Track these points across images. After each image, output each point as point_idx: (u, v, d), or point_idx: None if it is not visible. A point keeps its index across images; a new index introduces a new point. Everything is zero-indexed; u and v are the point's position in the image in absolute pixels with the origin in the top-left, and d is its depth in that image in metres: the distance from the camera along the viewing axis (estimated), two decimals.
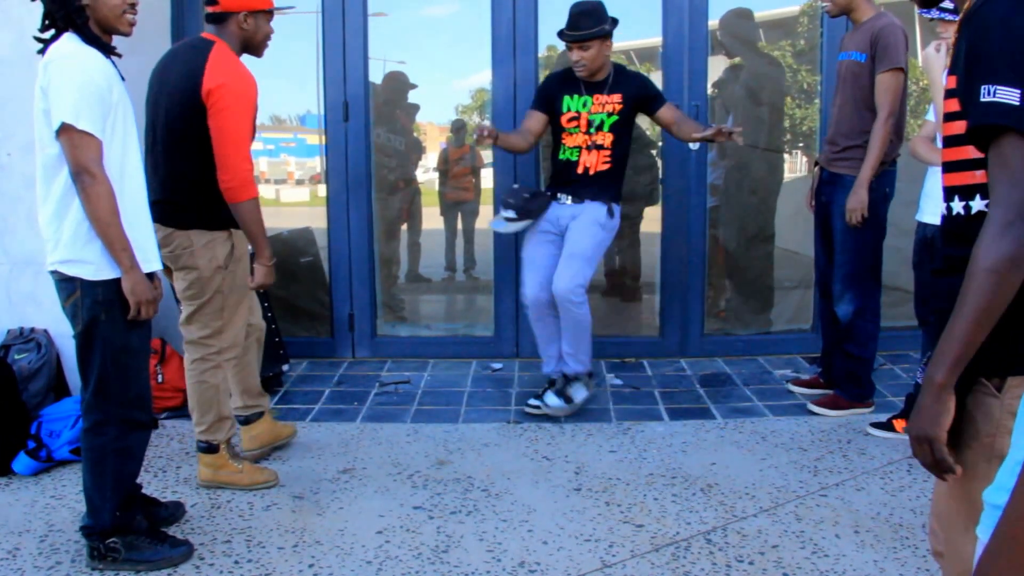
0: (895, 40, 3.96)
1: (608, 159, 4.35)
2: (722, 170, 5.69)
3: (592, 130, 4.34)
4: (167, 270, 3.44)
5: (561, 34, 4.32)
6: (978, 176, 1.64)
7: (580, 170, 4.36)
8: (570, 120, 4.37)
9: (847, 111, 4.16)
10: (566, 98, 4.37)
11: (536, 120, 4.46)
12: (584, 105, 4.34)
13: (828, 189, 4.29)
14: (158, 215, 3.35)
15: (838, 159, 4.20)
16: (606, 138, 4.33)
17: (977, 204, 1.66)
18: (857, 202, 4.04)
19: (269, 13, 3.50)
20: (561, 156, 4.43)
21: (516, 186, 4.53)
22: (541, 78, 5.11)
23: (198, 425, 3.56)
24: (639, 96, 4.36)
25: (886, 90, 4.00)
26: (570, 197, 4.37)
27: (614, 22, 4.28)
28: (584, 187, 4.37)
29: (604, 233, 4.39)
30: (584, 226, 4.33)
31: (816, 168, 4.48)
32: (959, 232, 1.69)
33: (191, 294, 3.46)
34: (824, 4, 4.23)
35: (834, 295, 4.29)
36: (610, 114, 4.32)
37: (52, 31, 2.78)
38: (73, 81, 2.68)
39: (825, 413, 4.33)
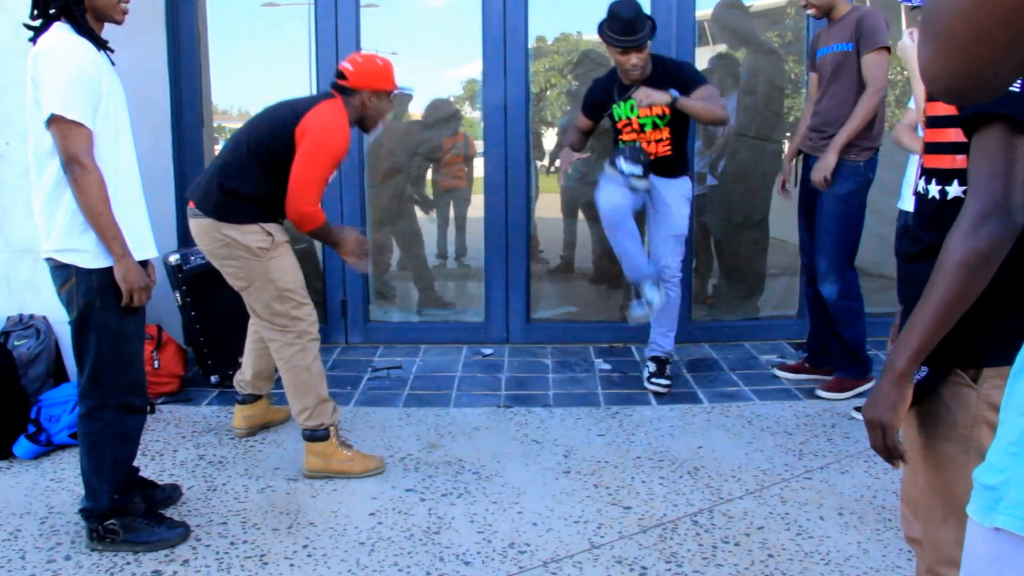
0: (878, 24, 4.02)
1: (668, 147, 4.44)
2: (709, 159, 5.74)
3: (647, 130, 4.41)
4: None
5: (608, 37, 4.28)
6: (958, 161, 1.61)
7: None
8: (624, 125, 4.45)
9: (836, 100, 4.19)
10: (615, 108, 4.44)
11: (586, 123, 4.66)
12: (632, 110, 4.39)
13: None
14: (199, 198, 3.53)
15: (826, 146, 4.23)
16: (662, 133, 4.41)
17: (954, 190, 1.63)
18: (824, 167, 4.13)
19: (391, 93, 3.63)
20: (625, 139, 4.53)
21: (625, 147, 4.40)
22: (532, 68, 5.14)
23: (300, 414, 3.58)
24: (678, 85, 4.35)
25: (875, 66, 4.04)
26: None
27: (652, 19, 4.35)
28: (654, 167, 4.42)
29: (689, 204, 4.57)
30: (679, 204, 4.48)
31: (799, 155, 4.53)
32: (933, 215, 1.66)
33: (242, 286, 3.57)
34: (810, 11, 4.27)
35: (819, 277, 4.34)
36: (661, 116, 4.37)
37: (42, 20, 2.78)
38: (62, 71, 2.69)
39: (835, 397, 4.38)
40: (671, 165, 4.47)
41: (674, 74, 4.37)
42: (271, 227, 3.53)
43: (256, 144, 3.50)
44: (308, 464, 3.60)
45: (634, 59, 4.25)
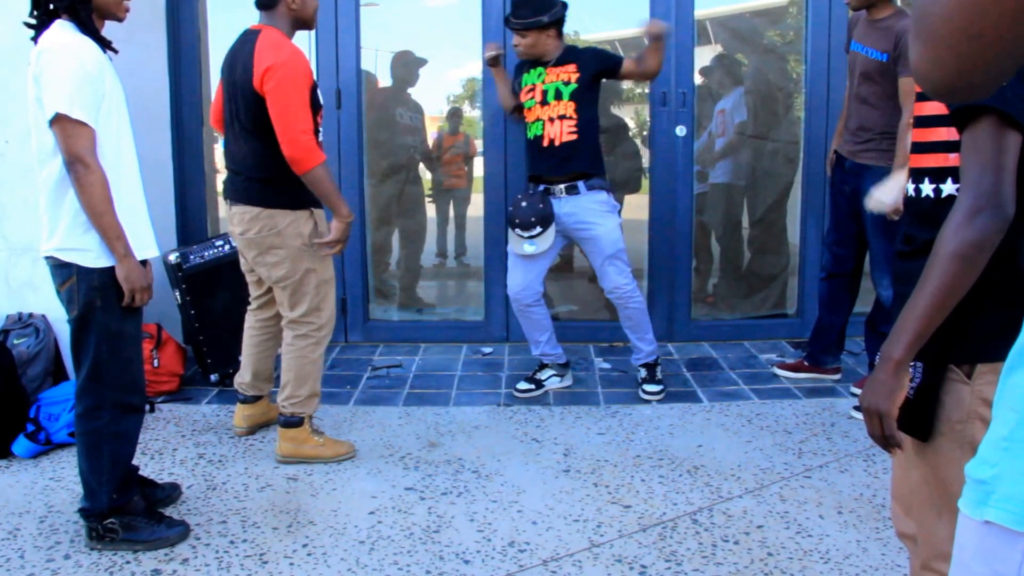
0: None
1: (573, 129, 4.31)
2: (729, 159, 5.74)
3: (550, 99, 4.35)
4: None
5: (505, 19, 4.46)
6: (951, 159, 1.63)
7: (546, 143, 4.35)
8: (527, 92, 4.42)
9: (873, 104, 4.12)
10: (524, 75, 4.46)
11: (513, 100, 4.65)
12: (539, 76, 4.39)
13: (853, 179, 4.26)
14: (243, 195, 3.53)
15: (864, 150, 4.19)
16: (567, 107, 4.33)
17: (948, 187, 1.65)
18: (895, 208, 4.06)
19: None
20: (529, 135, 4.47)
21: (520, 199, 4.42)
22: None
23: (290, 398, 3.66)
24: (596, 63, 4.37)
25: (910, 93, 3.96)
26: (563, 188, 4.36)
27: (563, 6, 4.34)
28: (559, 162, 4.36)
29: (615, 215, 4.45)
30: (600, 219, 4.37)
31: (833, 155, 4.47)
32: (927, 214, 1.68)
33: (282, 275, 3.58)
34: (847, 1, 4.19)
35: (874, 280, 4.29)
36: (566, 83, 4.34)
37: (43, 18, 2.77)
38: (66, 70, 2.68)
39: None
40: (574, 156, 4.35)
41: (587, 55, 4.43)
42: (319, 213, 3.61)
43: (244, 122, 3.50)
44: (280, 449, 3.70)
45: (514, 39, 4.40)
